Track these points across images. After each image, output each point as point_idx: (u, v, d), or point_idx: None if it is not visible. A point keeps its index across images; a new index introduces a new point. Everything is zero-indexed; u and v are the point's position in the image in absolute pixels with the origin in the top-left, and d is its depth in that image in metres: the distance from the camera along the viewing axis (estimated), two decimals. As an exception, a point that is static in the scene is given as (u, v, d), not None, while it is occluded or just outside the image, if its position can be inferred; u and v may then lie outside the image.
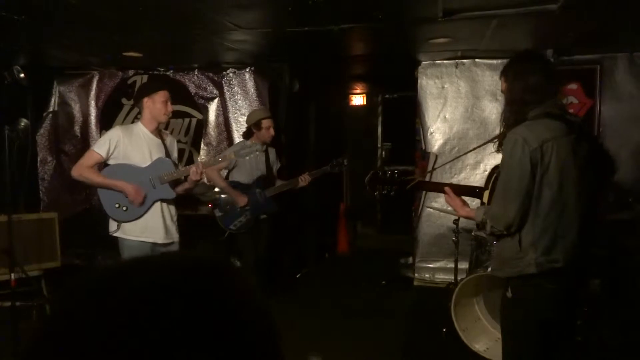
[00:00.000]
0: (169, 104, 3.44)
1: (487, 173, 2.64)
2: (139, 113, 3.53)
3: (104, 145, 3.34)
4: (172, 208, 3.53)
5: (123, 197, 3.34)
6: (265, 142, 4.43)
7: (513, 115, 2.27)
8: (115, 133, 3.39)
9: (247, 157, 3.77)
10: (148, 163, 3.40)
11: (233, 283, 0.54)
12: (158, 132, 3.52)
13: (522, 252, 2.17)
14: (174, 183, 3.52)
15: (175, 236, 3.52)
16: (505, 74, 2.36)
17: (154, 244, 3.40)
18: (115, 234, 3.39)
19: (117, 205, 3.35)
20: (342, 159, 4.64)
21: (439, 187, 2.67)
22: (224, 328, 0.48)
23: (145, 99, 3.41)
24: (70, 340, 0.46)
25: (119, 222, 3.36)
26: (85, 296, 0.50)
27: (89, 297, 0.50)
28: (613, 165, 4.98)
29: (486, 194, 2.47)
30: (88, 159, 3.35)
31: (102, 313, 0.47)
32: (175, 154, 3.64)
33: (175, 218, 3.55)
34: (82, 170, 3.32)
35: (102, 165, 3.41)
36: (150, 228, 3.39)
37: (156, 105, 3.39)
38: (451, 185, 2.61)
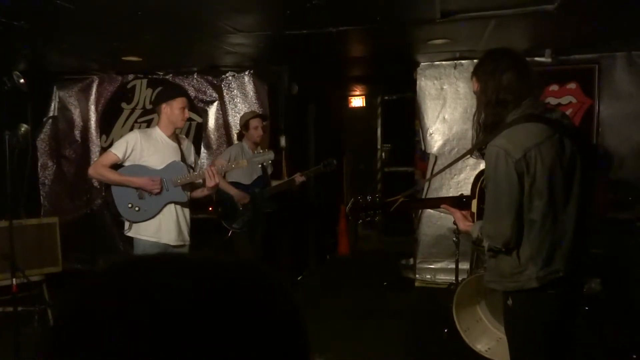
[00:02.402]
0: (186, 110, 3.53)
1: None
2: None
3: (121, 146, 3.42)
4: (187, 211, 3.60)
5: (136, 197, 3.41)
6: (255, 141, 4.57)
7: (490, 118, 2.15)
8: (133, 136, 3.47)
9: (260, 165, 3.84)
10: (163, 166, 3.46)
11: (275, 285, 0.57)
12: (175, 137, 3.59)
13: (522, 266, 2.09)
14: (191, 187, 3.58)
15: (187, 239, 3.58)
16: (476, 74, 2.25)
17: (167, 245, 3.46)
18: (129, 234, 3.47)
19: (129, 206, 3.42)
20: (331, 159, 4.92)
21: (425, 204, 2.57)
22: (263, 329, 0.51)
23: (164, 105, 3.49)
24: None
25: (131, 222, 3.44)
26: (104, 295, 0.50)
27: (107, 296, 0.49)
28: (608, 157, 4.96)
29: (474, 202, 2.36)
30: (105, 159, 3.44)
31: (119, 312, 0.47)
32: (192, 158, 3.70)
33: (188, 221, 3.61)
34: (99, 168, 3.41)
35: (118, 167, 3.48)
36: (163, 229, 3.45)
37: (174, 111, 3.47)
38: (434, 200, 2.47)
